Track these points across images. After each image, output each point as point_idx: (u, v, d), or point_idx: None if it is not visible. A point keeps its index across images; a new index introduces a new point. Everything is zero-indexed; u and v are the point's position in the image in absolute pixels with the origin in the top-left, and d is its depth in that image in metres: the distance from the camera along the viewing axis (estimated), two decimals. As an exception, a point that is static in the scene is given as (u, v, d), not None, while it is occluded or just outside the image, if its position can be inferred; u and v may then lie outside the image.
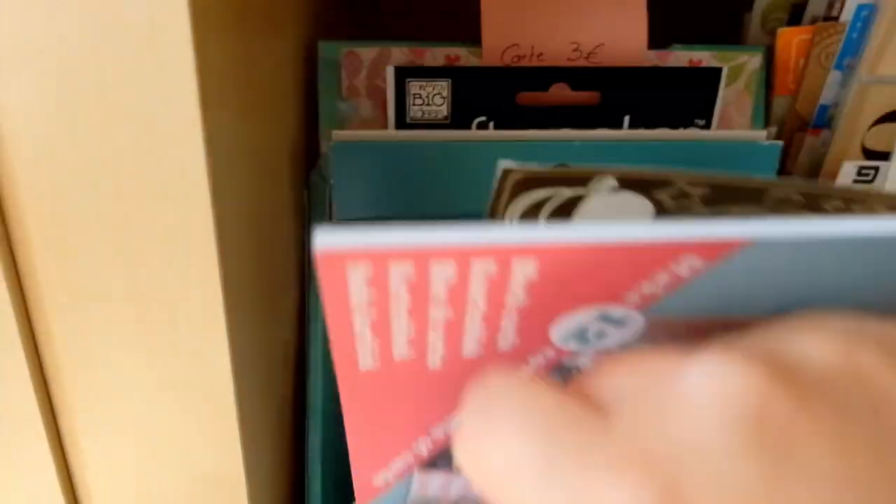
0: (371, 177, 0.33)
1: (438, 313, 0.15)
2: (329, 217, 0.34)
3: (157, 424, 0.25)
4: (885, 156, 0.35)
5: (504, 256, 0.13)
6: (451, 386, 0.17)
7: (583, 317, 0.15)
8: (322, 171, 0.36)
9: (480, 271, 0.14)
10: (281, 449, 0.33)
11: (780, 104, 0.37)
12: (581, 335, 0.16)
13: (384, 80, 0.34)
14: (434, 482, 0.23)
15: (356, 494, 0.21)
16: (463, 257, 0.13)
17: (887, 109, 0.34)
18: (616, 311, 0.15)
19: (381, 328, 0.15)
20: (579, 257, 0.14)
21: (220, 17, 0.22)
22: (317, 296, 0.35)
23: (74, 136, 0.20)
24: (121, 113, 0.20)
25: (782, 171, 0.36)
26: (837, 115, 0.35)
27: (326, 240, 0.13)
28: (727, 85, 0.35)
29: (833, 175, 0.35)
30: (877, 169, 0.35)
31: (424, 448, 0.19)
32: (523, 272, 0.14)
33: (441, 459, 0.22)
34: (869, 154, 0.35)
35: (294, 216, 0.34)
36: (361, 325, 0.14)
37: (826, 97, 0.35)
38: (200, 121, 0.20)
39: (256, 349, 0.27)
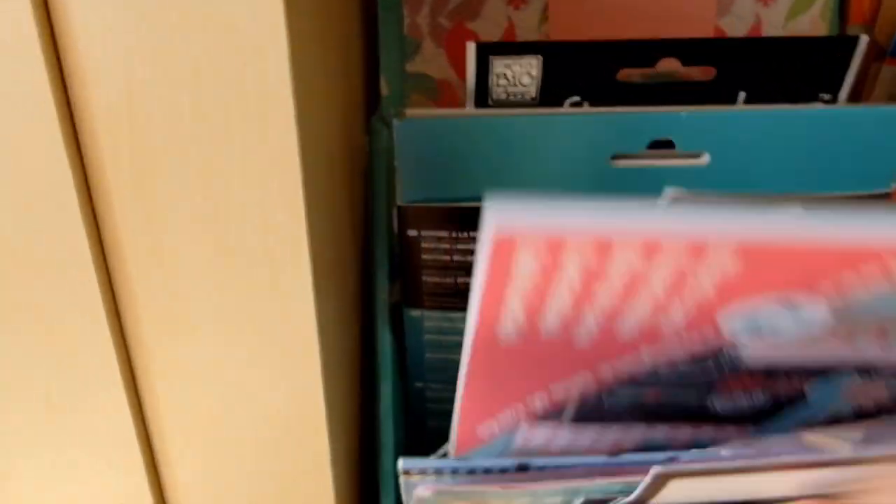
0: (441, 157, 0.29)
1: (606, 298, 0.13)
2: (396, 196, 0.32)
3: (237, 364, 0.24)
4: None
5: (700, 249, 0.11)
6: (589, 361, 0.15)
7: (762, 307, 0.14)
8: (383, 117, 0.35)
9: (669, 259, 0.12)
10: (353, 396, 0.32)
11: (853, 34, 0.36)
12: (755, 327, 0.14)
13: (447, 17, 0.33)
14: (539, 436, 0.21)
15: (457, 441, 0.19)
16: (653, 245, 0.11)
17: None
18: (803, 302, 0.13)
19: (536, 307, 0.13)
20: (786, 257, 0.12)
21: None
22: (383, 247, 0.34)
23: (152, 48, 0.19)
24: (202, 22, 0.19)
25: (856, 101, 0.34)
26: (922, 42, 0.33)
27: (500, 216, 0.11)
28: (801, 13, 0.33)
29: (917, 106, 0.33)
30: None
31: (540, 404, 0.18)
32: (718, 265, 0.12)
33: (552, 414, 0.20)
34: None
35: (354, 161, 0.33)
36: (514, 302, 0.13)
37: (909, 24, 0.33)
38: (286, 32, 0.19)
39: (332, 290, 0.27)
